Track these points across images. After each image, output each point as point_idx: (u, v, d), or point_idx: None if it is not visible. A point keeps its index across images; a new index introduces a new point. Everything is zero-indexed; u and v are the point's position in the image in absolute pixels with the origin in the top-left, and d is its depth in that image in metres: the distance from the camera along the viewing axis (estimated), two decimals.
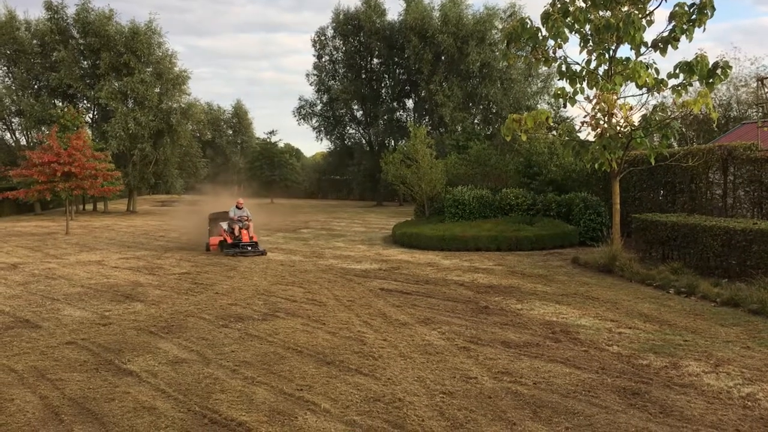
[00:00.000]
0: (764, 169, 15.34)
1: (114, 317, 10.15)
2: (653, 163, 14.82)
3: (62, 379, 6.99)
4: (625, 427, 5.45)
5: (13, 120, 44.30)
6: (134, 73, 40.68)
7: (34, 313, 10.58)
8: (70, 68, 41.15)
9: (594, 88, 14.38)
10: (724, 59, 13.36)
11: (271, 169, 55.33)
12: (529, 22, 14.40)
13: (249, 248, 18.08)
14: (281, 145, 58.42)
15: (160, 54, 43.30)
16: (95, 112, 45.40)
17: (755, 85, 32.02)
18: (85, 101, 44.65)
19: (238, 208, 19.08)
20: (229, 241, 18.45)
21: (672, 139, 14.21)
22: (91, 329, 9.34)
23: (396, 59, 50.38)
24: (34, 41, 42.80)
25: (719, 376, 6.75)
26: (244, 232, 18.48)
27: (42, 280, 14.15)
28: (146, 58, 42.13)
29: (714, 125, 26.78)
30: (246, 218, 18.83)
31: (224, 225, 19.05)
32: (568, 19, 14.08)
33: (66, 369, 7.36)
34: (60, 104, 43.02)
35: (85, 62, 43.49)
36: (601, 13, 14.14)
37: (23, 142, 44.30)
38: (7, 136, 45.33)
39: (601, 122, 14.25)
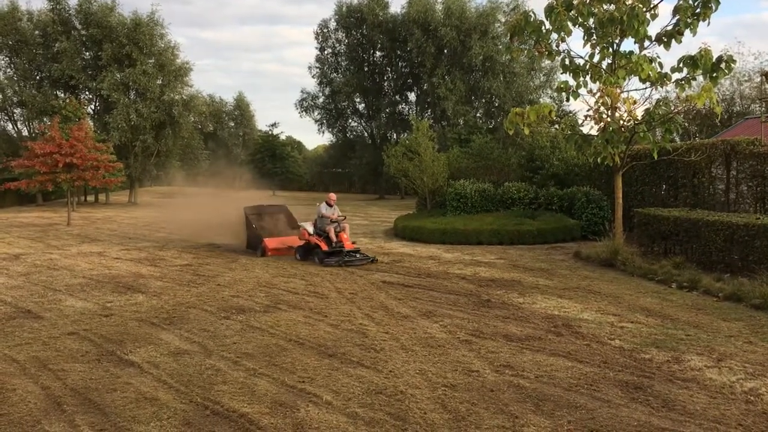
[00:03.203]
0: (767, 164, 15.30)
1: (116, 308, 10.16)
2: (656, 158, 14.78)
3: (64, 369, 6.99)
4: (628, 421, 5.44)
5: (15, 111, 44.32)
6: (136, 65, 40.64)
7: (36, 303, 10.59)
8: (72, 59, 41.09)
9: (597, 82, 14.34)
10: (728, 53, 13.30)
11: (272, 162, 55.28)
12: (532, 15, 14.34)
13: (357, 255, 14.89)
14: (283, 137, 58.42)
15: (162, 45, 43.24)
16: (97, 104, 45.36)
17: (759, 80, 31.90)
18: (87, 92, 44.59)
19: (328, 205, 15.69)
20: (325, 247, 14.96)
21: (675, 134, 14.17)
22: (92, 320, 9.35)
23: (398, 52, 50.24)
24: (36, 32, 42.73)
25: (722, 371, 6.74)
26: (344, 236, 15.24)
27: (44, 270, 14.16)
28: (148, 50, 42.06)
29: (717, 120, 26.73)
30: (341, 217, 15.74)
31: (308, 227, 15.64)
32: (572, 12, 14.01)
33: (68, 359, 7.36)
34: (62, 95, 43.01)
35: (87, 53, 43.43)
36: (605, 6, 14.08)
37: (25, 132, 44.30)
38: (9, 126, 45.37)
39: (604, 116, 14.20)
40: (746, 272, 11.36)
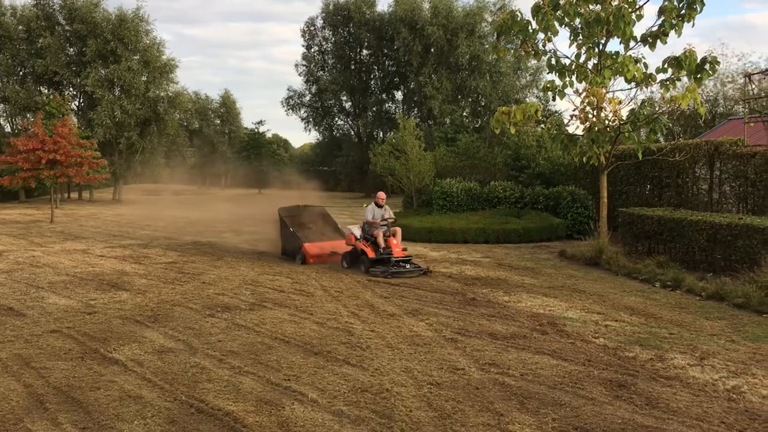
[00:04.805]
0: (750, 164, 15.45)
1: (99, 306, 10.07)
2: (640, 158, 14.89)
3: (47, 367, 6.92)
4: (611, 418, 5.47)
5: None
6: (121, 61, 40.34)
7: (18, 301, 10.48)
8: (56, 55, 40.72)
9: (583, 82, 14.43)
10: (712, 55, 13.43)
11: (258, 160, 55.14)
12: (519, 14, 14.41)
13: (407, 266, 12.98)
14: (269, 135, 58.31)
15: (148, 42, 42.97)
16: (81, 100, 45.01)
17: (742, 81, 32.19)
18: (71, 88, 44.23)
19: (377, 205, 14.06)
20: (372, 255, 13.21)
21: (659, 134, 14.29)
22: (76, 318, 9.26)
23: (385, 51, 50.27)
24: (20, 27, 42.30)
25: (704, 369, 6.80)
26: (393, 241, 13.37)
27: (26, 268, 14.01)
28: (133, 46, 41.77)
29: (701, 120, 26.94)
30: (391, 219, 14.03)
31: (355, 230, 13.99)
32: (559, 12, 14.10)
33: (51, 357, 7.29)
34: (45, 91, 42.63)
35: (72, 49, 43.05)
36: (591, 6, 14.16)
37: (8, 129, 43.89)
38: None
39: (590, 116, 14.29)
40: (729, 271, 11.46)
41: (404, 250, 13.43)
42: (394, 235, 13.54)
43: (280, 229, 15.72)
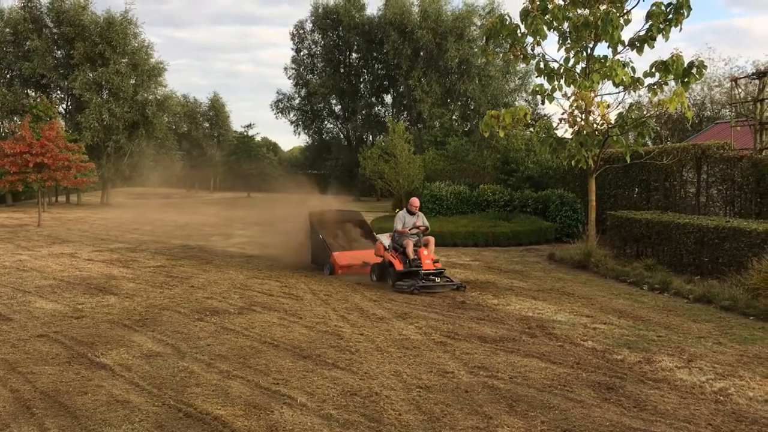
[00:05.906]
0: (737, 168, 15.58)
1: (87, 310, 10.00)
2: (629, 161, 14.96)
3: (34, 372, 6.87)
4: (600, 421, 5.49)
5: None
6: (109, 64, 40.18)
7: (5, 305, 10.39)
8: (43, 58, 40.52)
9: (572, 86, 14.48)
10: (699, 59, 13.54)
11: (248, 163, 55.04)
12: (508, 18, 14.45)
13: (437, 279, 11.62)
14: (258, 138, 58.22)
15: (136, 45, 42.86)
16: (69, 103, 44.81)
17: (729, 85, 32.46)
18: (58, 91, 44.06)
19: (410, 212, 12.55)
20: (400, 267, 11.90)
21: (647, 138, 14.38)
22: (63, 322, 9.19)
23: (375, 54, 50.35)
24: (7, 29, 42.09)
25: (692, 372, 6.84)
26: (424, 252, 11.94)
27: (13, 272, 13.90)
28: (122, 49, 41.63)
29: (689, 124, 27.14)
30: (423, 228, 12.55)
31: (384, 240, 12.70)
32: (547, 16, 14.15)
33: (38, 362, 7.23)
34: (33, 94, 42.37)
35: (59, 52, 42.88)
36: (579, 11, 14.23)
37: None
38: None
39: (579, 119, 14.36)
40: (716, 274, 11.54)
41: (436, 262, 12.06)
42: (426, 246, 12.23)
43: (310, 236, 14.58)
